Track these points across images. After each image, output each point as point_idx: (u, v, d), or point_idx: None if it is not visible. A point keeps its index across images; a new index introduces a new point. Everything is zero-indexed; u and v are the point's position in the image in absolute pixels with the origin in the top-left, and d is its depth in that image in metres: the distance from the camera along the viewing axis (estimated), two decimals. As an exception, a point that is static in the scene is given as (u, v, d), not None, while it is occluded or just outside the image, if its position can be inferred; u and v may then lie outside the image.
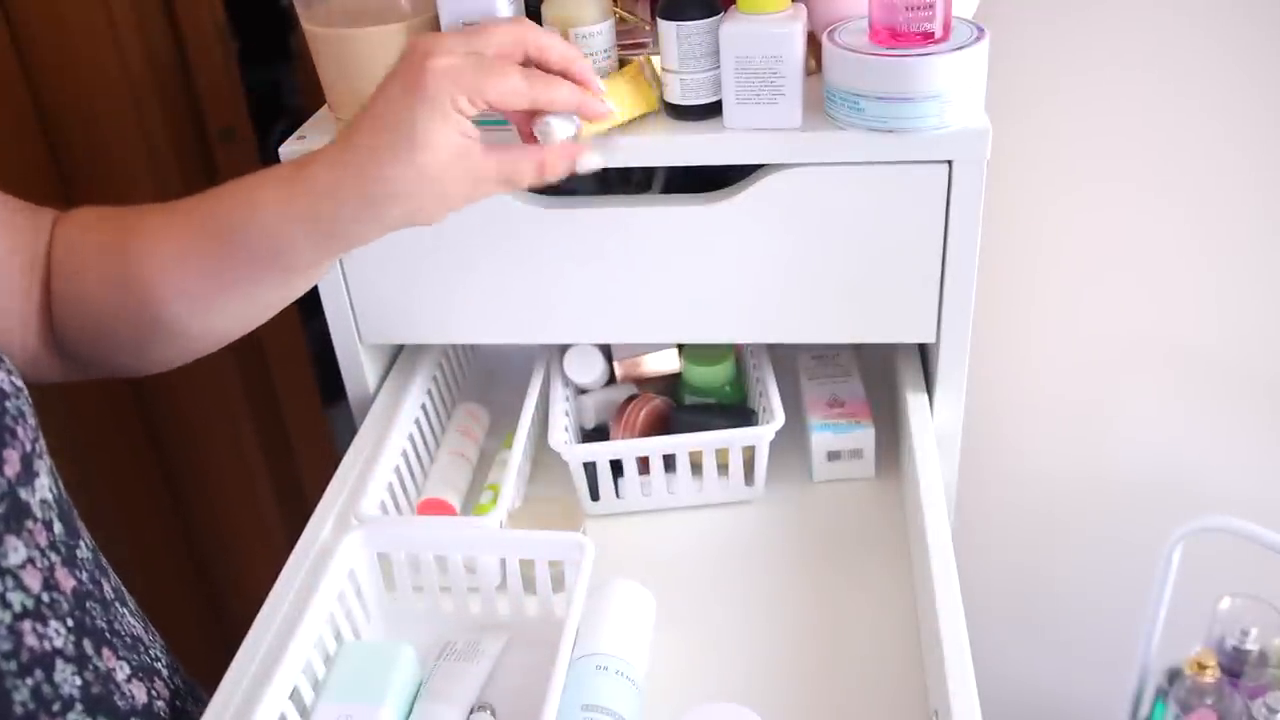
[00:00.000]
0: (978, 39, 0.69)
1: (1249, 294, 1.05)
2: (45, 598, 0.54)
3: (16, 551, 0.52)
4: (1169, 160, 1.00)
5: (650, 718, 0.66)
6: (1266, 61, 0.93)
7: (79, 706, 0.54)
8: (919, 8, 0.67)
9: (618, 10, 0.77)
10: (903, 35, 0.68)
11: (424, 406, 0.89)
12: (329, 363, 0.90)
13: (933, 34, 0.68)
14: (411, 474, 0.84)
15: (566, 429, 0.86)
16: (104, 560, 0.63)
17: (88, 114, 1.09)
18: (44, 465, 0.56)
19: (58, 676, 0.53)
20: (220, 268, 0.62)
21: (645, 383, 0.92)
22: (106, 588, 0.61)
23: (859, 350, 0.94)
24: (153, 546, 1.29)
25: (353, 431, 0.88)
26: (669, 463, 0.82)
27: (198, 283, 0.62)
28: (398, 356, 0.95)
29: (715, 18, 0.71)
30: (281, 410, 1.36)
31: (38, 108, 1.09)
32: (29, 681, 0.51)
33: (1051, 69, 0.97)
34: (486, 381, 1.02)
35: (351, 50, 0.74)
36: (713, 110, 0.74)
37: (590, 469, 0.82)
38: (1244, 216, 1.01)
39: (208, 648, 0.73)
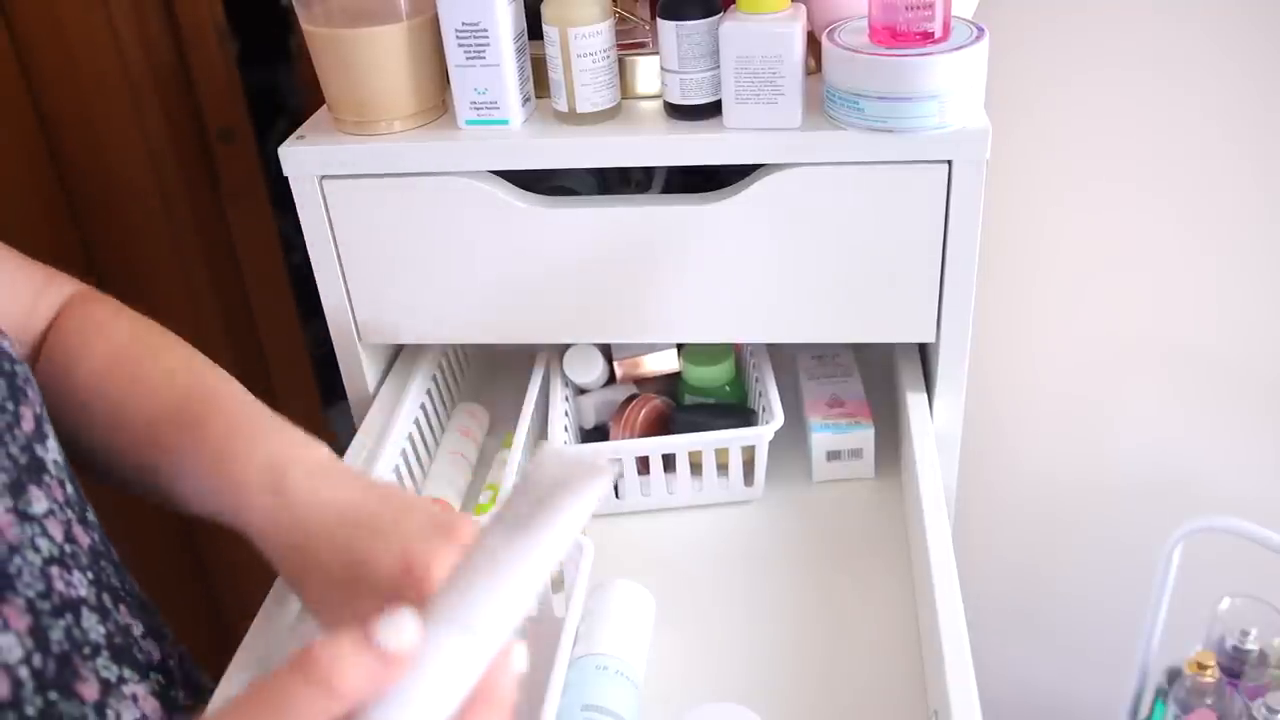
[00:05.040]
0: (977, 39, 0.69)
1: (1249, 294, 1.05)
2: (67, 549, 0.56)
3: (40, 501, 0.55)
4: (1169, 160, 1.00)
5: (650, 718, 0.66)
6: (1266, 61, 0.93)
7: (105, 654, 0.56)
8: (919, 8, 0.67)
9: (618, 10, 0.77)
10: (902, 35, 0.68)
11: (423, 406, 0.89)
12: (329, 363, 0.90)
13: (932, 34, 0.68)
14: (411, 474, 0.84)
15: (566, 429, 0.86)
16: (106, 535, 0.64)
17: (88, 115, 1.09)
18: (51, 430, 0.58)
19: (85, 623, 0.55)
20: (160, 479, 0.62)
21: (645, 383, 0.92)
22: (114, 553, 0.63)
23: (859, 350, 0.94)
24: (153, 545, 1.29)
25: (353, 431, 0.88)
26: (668, 463, 0.82)
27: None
28: (397, 356, 0.95)
29: (715, 17, 0.71)
30: (281, 410, 1.36)
31: (37, 109, 1.09)
32: (61, 623, 0.53)
33: (1051, 69, 0.97)
34: (486, 381, 1.02)
35: (351, 50, 0.74)
36: (712, 110, 0.74)
37: (590, 469, 0.82)
38: (1244, 216, 1.01)
39: (208, 648, 0.73)
